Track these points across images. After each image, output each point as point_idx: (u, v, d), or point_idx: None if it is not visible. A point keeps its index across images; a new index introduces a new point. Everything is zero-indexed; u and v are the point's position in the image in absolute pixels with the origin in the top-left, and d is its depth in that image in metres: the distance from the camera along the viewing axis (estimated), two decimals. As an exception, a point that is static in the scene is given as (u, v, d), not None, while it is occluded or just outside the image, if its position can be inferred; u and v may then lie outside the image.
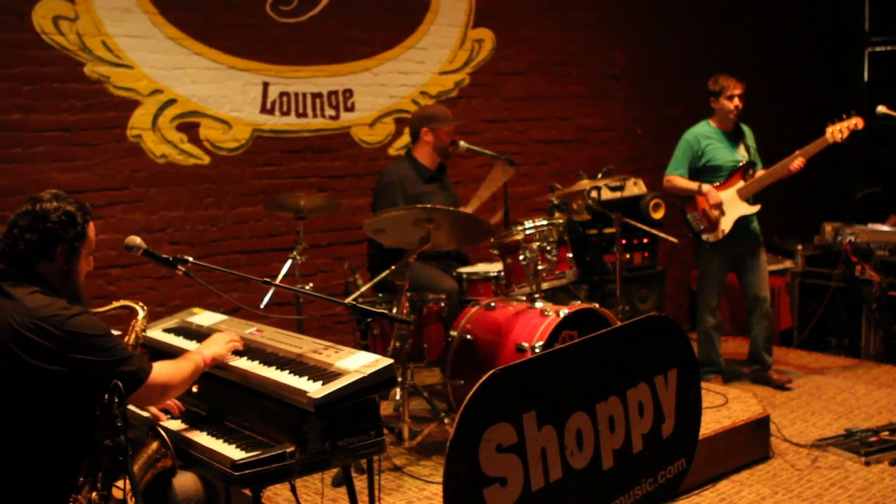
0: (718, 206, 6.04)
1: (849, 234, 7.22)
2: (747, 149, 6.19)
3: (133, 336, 3.18)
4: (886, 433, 5.39)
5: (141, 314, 3.24)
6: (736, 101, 6.09)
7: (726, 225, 6.07)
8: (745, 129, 6.29)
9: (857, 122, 5.88)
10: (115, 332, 3.26)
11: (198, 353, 3.23)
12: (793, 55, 8.80)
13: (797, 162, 5.96)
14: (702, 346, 6.37)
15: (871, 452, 5.14)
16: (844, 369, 6.86)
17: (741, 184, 6.07)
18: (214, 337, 3.38)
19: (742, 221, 6.10)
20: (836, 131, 5.88)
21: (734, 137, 6.21)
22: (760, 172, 6.12)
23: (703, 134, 6.20)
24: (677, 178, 6.20)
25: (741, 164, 6.10)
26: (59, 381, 2.80)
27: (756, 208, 6.12)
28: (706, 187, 6.06)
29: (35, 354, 2.78)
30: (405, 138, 6.29)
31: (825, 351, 7.34)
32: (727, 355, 6.72)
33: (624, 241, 6.87)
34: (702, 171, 6.17)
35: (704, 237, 6.16)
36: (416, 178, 5.48)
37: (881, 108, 5.80)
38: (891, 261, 7.03)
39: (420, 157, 5.54)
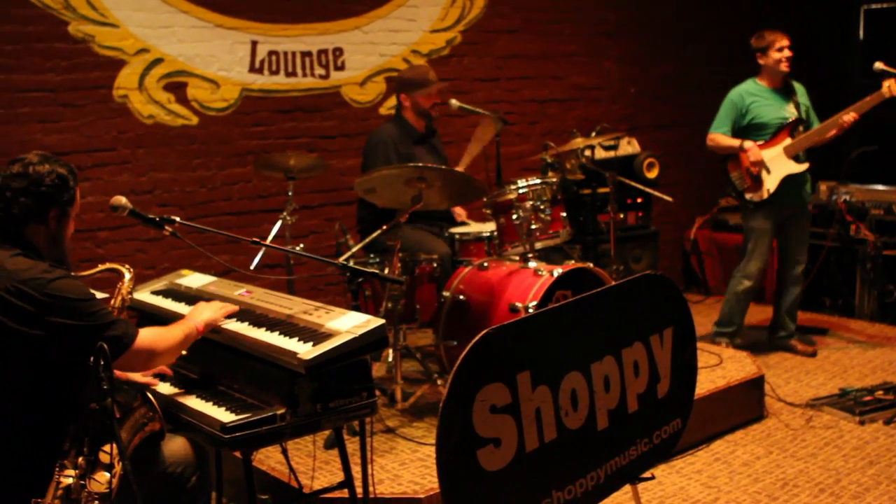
0: (760, 163, 5.83)
1: (844, 193, 7.18)
2: (797, 106, 5.96)
3: (119, 299, 3.13)
4: (881, 392, 5.39)
5: (127, 276, 3.18)
6: (786, 51, 5.88)
7: (771, 184, 5.86)
8: (797, 86, 6.07)
9: None
10: (102, 296, 3.22)
11: (190, 320, 3.17)
12: (788, 13, 8.70)
13: (849, 116, 5.72)
14: (727, 306, 6.19)
15: (865, 412, 5.14)
16: (839, 328, 6.85)
17: (788, 141, 5.86)
18: (206, 303, 3.32)
19: (790, 180, 5.88)
20: (894, 84, 5.62)
21: (783, 94, 5.99)
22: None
23: (749, 91, 5.98)
24: (720, 136, 5.99)
25: (789, 122, 5.89)
26: (41, 346, 2.75)
27: (804, 167, 5.90)
28: (748, 144, 5.86)
29: (16, 318, 2.73)
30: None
31: (819, 311, 7.32)
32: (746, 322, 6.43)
33: (618, 201, 6.82)
34: (747, 129, 5.95)
35: (748, 196, 5.94)
36: (404, 139, 5.42)
37: (878, 65, 5.68)
38: (886, 220, 6.99)
39: (408, 119, 5.48)
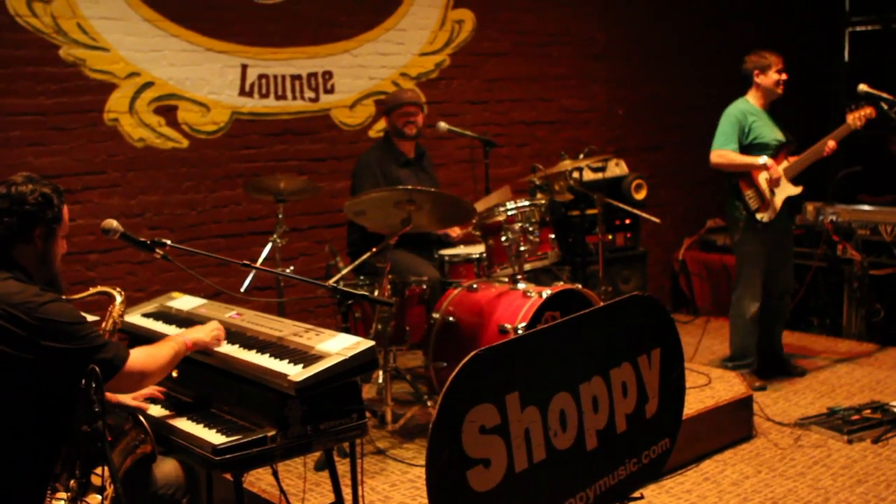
0: (778, 181, 5.75)
1: (830, 213, 7.22)
2: (782, 130, 5.96)
3: (111, 322, 3.14)
4: (868, 411, 5.41)
5: (118, 300, 3.19)
6: (784, 74, 5.87)
7: (777, 204, 5.80)
8: None
9: (870, 111, 5.71)
10: (93, 319, 3.23)
11: (179, 337, 3.18)
12: (773, 35, 8.78)
13: (830, 144, 5.77)
14: (737, 337, 6.02)
15: (853, 431, 5.15)
16: (826, 348, 6.88)
17: (785, 163, 5.82)
18: (200, 326, 3.33)
19: (788, 202, 5.85)
20: (856, 118, 5.70)
21: (771, 116, 5.95)
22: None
23: (748, 111, 5.87)
24: (732, 154, 5.80)
25: (785, 144, 5.86)
26: (32, 370, 2.75)
27: (800, 189, 5.87)
28: (769, 161, 5.74)
29: (6, 342, 2.73)
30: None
31: (807, 330, 7.35)
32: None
33: (606, 222, 6.85)
34: (748, 148, 5.82)
35: (759, 216, 5.78)
36: (390, 162, 5.46)
37: (862, 87, 5.72)
38: (872, 240, 7.04)
39: (396, 142, 5.53)
